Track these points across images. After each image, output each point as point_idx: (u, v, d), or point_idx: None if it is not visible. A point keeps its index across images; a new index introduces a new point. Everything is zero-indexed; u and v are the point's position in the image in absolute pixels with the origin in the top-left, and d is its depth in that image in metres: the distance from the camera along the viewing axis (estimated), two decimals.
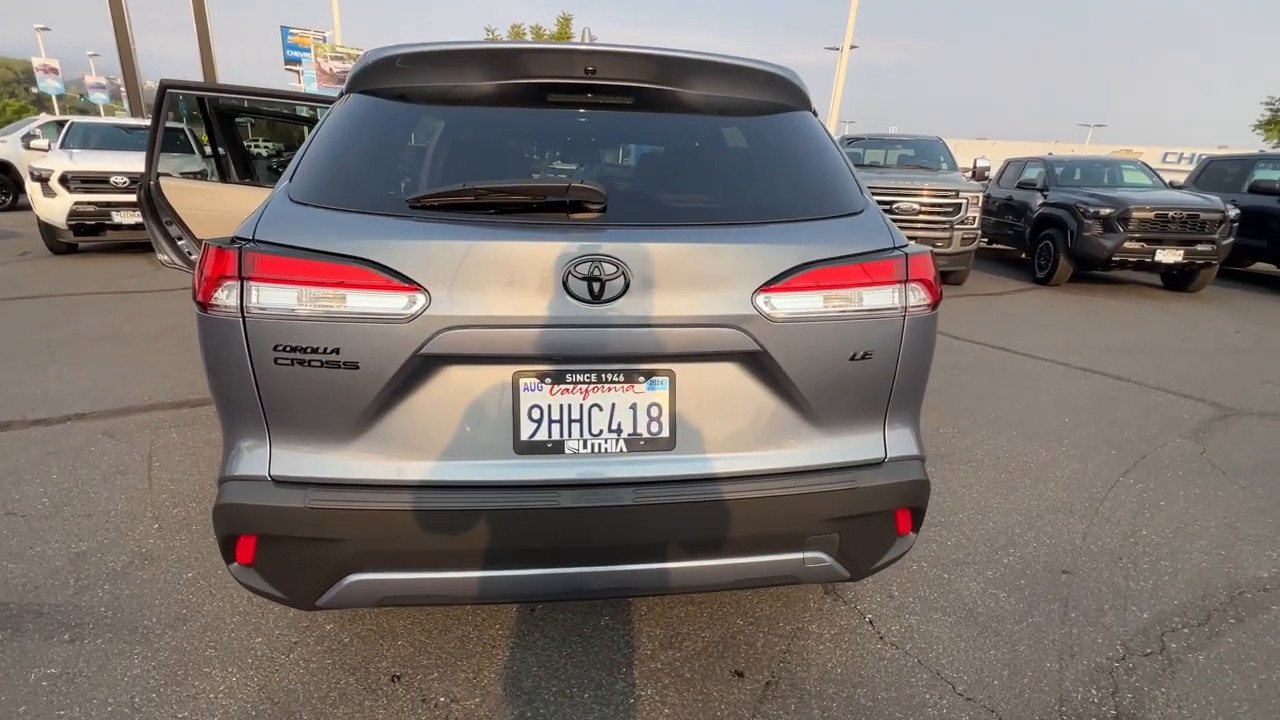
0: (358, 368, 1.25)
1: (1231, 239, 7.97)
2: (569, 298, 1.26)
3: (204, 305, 1.26)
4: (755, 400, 1.38)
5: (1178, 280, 8.43)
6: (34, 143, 9.77)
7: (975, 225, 7.84)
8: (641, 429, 1.35)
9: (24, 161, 10.65)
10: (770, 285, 1.33)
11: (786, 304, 1.34)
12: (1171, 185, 9.76)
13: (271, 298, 1.22)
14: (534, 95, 1.52)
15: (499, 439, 1.32)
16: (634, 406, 1.35)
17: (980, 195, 7.92)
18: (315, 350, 1.23)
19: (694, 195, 1.59)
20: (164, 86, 3.48)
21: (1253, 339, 6.08)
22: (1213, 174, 9.97)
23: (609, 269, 1.26)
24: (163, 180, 3.81)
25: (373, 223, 1.28)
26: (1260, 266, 9.64)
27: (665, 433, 1.36)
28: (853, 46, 21.42)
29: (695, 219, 1.40)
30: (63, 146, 8.61)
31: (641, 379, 1.34)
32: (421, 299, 1.24)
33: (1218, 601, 2.20)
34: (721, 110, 1.60)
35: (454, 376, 1.29)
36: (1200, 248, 7.84)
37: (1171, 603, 2.18)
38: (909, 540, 1.58)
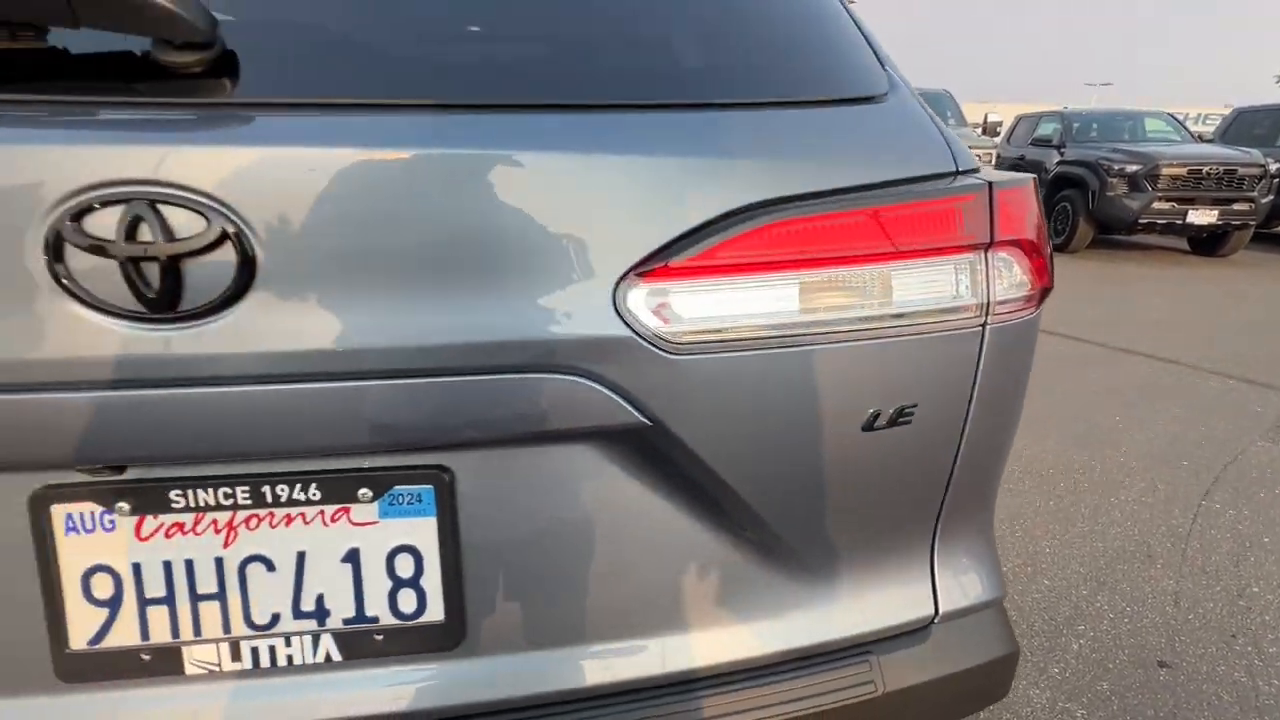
0: None
1: (1271, 196, 7.18)
2: (78, 305, 0.49)
3: None
4: (645, 527, 0.64)
5: (1207, 244, 7.66)
6: None
7: None
8: (377, 607, 0.61)
9: None
10: (660, 262, 0.57)
11: (702, 306, 0.58)
12: (1199, 139, 8.93)
13: None
14: None
15: (15, 651, 0.58)
16: (354, 556, 0.60)
17: (993, 153, 7.13)
18: None
19: (461, 46, 0.70)
20: None
21: None
22: (1242, 126, 9.11)
23: (188, 223, 0.49)
24: None
25: None
26: None
27: (436, 613, 0.62)
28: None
29: (458, 95, 0.59)
30: None
31: (365, 493, 0.59)
32: None
33: None
34: None
35: None
36: (1237, 207, 7.04)
37: None
38: None
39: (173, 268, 0.49)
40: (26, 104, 0.51)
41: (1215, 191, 7.01)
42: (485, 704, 0.63)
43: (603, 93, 0.61)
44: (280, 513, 0.58)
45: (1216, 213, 7.03)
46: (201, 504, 0.57)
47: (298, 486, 0.57)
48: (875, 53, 0.73)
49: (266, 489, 0.57)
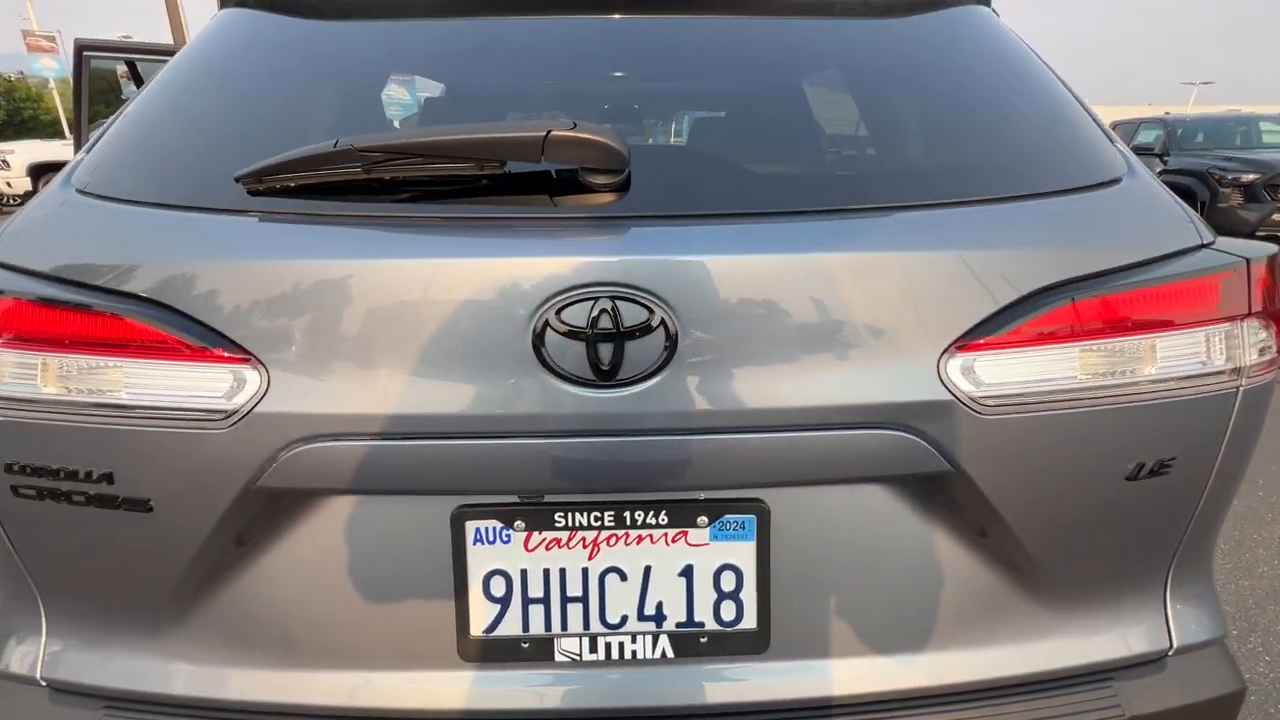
0: (149, 509, 0.68)
1: None
2: (551, 376, 0.65)
3: None
4: (923, 557, 0.74)
5: None
6: None
7: None
8: (704, 614, 0.73)
9: None
10: (975, 337, 0.67)
11: (1004, 373, 0.68)
12: None
13: None
14: None
15: (430, 634, 0.73)
16: (689, 572, 0.73)
17: None
18: (72, 476, 0.67)
19: (803, 162, 0.90)
20: (79, 48, 2.35)
21: None
22: None
23: (634, 313, 0.64)
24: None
25: (169, 225, 0.70)
26: None
27: (750, 621, 0.73)
28: None
29: (809, 204, 0.73)
30: None
31: (702, 520, 0.71)
32: (252, 380, 0.65)
33: None
34: (842, 8, 0.93)
35: (337, 521, 0.71)
36: None
37: None
38: None
39: (620, 346, 0.63)
40: (511, 220, 0.68)
41: None
42: (785, 701, 0.74)
43: (925, 193, 0.74)
44: (634, 533, 0.71)
45: None
46: (576, 524, 0.71)
47: (650, 512, 0.71)
48: (1108, 136, 0.81)
49: (627, 514, 0.71)
